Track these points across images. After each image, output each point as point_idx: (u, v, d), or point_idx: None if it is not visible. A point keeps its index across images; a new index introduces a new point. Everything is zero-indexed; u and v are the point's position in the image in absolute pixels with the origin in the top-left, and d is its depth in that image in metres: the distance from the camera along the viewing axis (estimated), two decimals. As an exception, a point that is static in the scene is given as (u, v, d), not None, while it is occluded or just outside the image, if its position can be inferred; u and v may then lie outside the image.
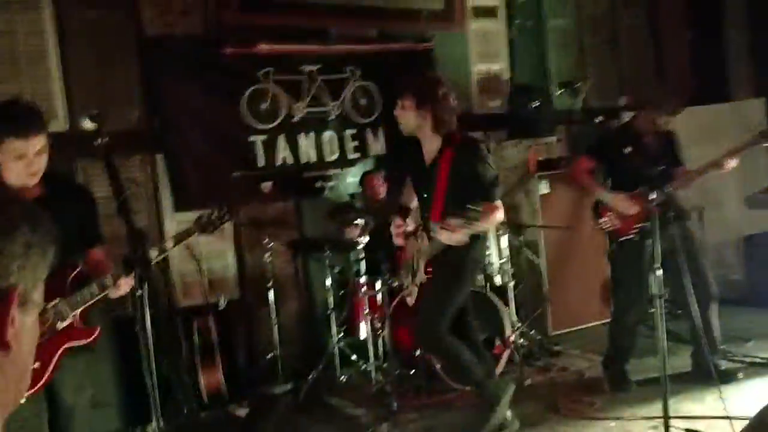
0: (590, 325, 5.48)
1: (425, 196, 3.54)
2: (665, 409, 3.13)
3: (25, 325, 0.93)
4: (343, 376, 4.67)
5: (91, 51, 4.69)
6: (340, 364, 4.70)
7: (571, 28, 6.66)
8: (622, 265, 4.06)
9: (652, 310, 5.41)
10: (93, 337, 2.34)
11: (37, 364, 2.13)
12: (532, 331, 4.96)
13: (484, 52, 6.25)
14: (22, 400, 2.09)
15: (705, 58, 6.68)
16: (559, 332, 5.40)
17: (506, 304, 4.65)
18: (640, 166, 3.88)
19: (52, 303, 2.23)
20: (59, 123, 4.47)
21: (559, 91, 2.95)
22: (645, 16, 7.10)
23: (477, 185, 3.25)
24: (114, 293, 2.32)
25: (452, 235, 3.13)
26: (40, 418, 2.31)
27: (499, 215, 3.33)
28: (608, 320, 5.44)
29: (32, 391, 2.15)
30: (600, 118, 2.80)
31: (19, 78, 4.41)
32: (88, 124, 1.89)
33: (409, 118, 3.43)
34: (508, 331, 4.43)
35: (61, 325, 2.25)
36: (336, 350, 4.68)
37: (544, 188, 5.33)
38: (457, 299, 3.44)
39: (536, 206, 5.37)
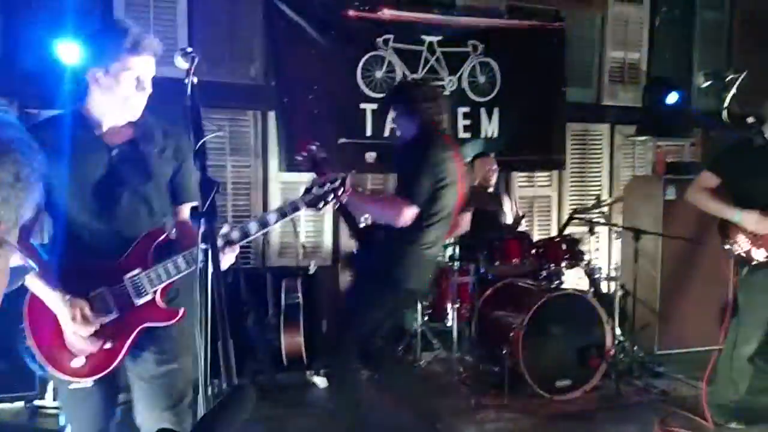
0: (700, 349, 4.97)
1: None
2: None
3: None
4: (423, 361, 4.51)
5: (217, 3, 4.74)
6: (422, 349, 4.54)
7: (723, 21, 6.01)
8: (750, 292, 3.59)
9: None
10: (176, 319, 2.01)
11: (108, 345, 1.96)
12: (635, 347, 4.55)
13: (622, 38, 5.77)
14: (90, 383, 1.95)
15: None
16: (665, 352, 4.94)
17: (611, 314, 4.28)
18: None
19: (131, 273, 1.96)
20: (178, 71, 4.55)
21: (705, 83, 2.55)
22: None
23: None
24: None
25: None
26: (112, 402, 2.14)
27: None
28: (719, 347, 4.97)
29: (102, 375, 1.99)
30: (752, 119, 2.39)
31: (147, 24, 4.52)
32: (180, 62, 1.77)
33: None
34: (608, 343, 4.08)
35: (139, 300, 1.97)
36: (419, 333, 4.52)
37: (670, 194, 4.83)
38: None
39: (659, 212, 4.90)
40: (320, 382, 4.23)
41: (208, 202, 1.49)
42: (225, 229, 2.00)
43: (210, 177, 1.53)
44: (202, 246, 1.46)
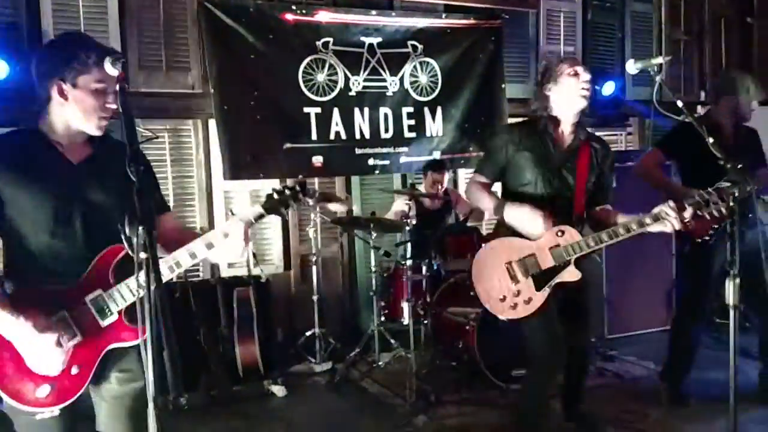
0: (649, 331, 5.15)
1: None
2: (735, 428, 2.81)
3: None
4: (381, 361, 4.51)
5: (150, 10, 4.63)
6: (380, 349, 4.54)
7: (652, 12, 6.24)
8: (693, 268, 3.73)
9: (719, 320, 5.09)
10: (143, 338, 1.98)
11: (75, 369, 1.89)
12: (586, 333, 4.66)
13: (556, 33, 5.91)
14: (57, 411, 1.83)
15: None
16: (614, 336, 5.08)
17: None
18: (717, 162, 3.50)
19: (93, 295, 1.90)
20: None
21: (637, 68, 2.64)
22: (735, 6, 6.60)
23: None
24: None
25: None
26: (73, 426, 2.00)
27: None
28: (667, 328, 5.14)
29: (71, 400, 1.90)
30: (681, 104, 2.49)
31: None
32: (109, 68, 1.71)
33: None
34: (559, 330, 4.16)
35: (104, 322, 1.90)
36: (376, 333, 4.51)
37: (644, 179, 4.96)
38: None
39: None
40: (278, 390, 4.17)
41: (145, 211, 1.44)
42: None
43: (144, 186, 1.48)
44: (142, 255, 1.42)
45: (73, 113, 1.92)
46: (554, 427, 3.28)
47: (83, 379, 1.91)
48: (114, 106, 1.91)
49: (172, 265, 1.95)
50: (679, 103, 2.45)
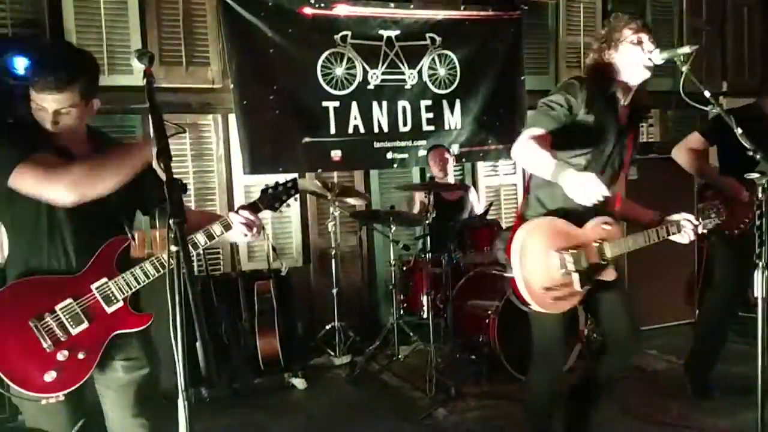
0: (669, 324, 5.10)
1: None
2: (761, 423, 2.77)
3: None
4: (401, 354, 4.52)
5: (170, 6, 4.66)
6: (399, 342, 4.55)
7: (674, 2, 6.16)
8: (724, 262, 3.68)
9: (743, 314, 5.02)
10: (146, 324, 2.03)
11: (81, 354, 1.95)
12: (606, 326, 4.62)
13: (576, 24, 5.86)
14: (62, 397, 1.89)
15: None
16: (635, 329, 5.03)
17: (580, 294, 4.34)
18: (757, 152, 3.44)
19: (99, 283, 1.97)
20: (136, 77, 4.46)
21: (662, 59, 2.58)
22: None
23: None
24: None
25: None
26: (79, 413, 2.06)
27: None
28: (689, 321, 5.09)
29: (76, 386, 1.94)
30: (708, 94, 2.44)
31: (100, 29, 4.42)
32: (136, 64, 1.73)
33: None
34: (581, 324, 4.14)
35: (110, 309, 1.98)
36: (395, 327, 4.52)
37: (632, 174, 4.92)
38: None
39: (623, 193, 4.98)
40: (299, 383, 4.19)
41: (175, 204, 1.46)
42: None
43: (175, 178, 1.50)
44: (173, 248, 1.43)
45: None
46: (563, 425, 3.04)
47: (89, 364, 1.97)
48: (50, 128, 1.95)
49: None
50: (707, 94, 2.40)
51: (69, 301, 1.94)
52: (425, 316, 4.36)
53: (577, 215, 2.54)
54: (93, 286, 1.97)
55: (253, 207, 2.17)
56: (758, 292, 2.43)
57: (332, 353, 4.62)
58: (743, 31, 6.50)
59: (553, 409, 2.84)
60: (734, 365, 4.08)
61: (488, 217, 4.85)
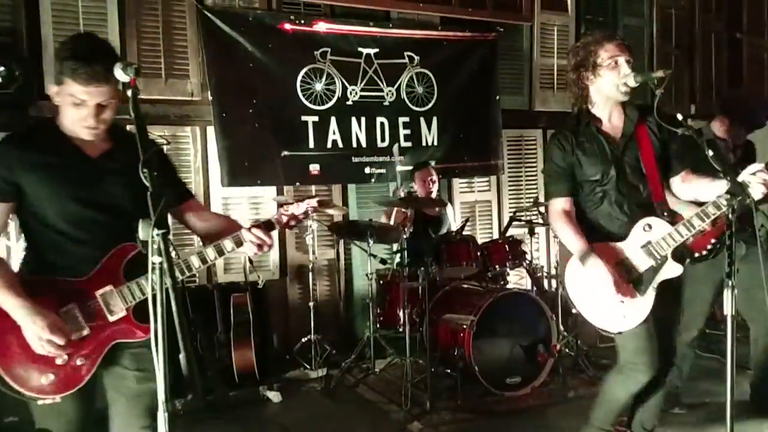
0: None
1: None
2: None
3: None
4: (376, 368, 4.53)
5: (149, 18, 4.67)
6: (375, 356, 4.57)
7: (645, 27, 6.36)
8: (691, 283, 3.78)
9: (710, 331, 5.14)
10: (146, 336, 1.95)
11: (80, 360, 1.94)
12: (579, 342, 4.71)
13: (550, 46, 6.01)
14: (58, 399, 1.89)
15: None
16: (607, 345, 5.12)
17: (554, 311, 4.42)
18: (726, 174, 3.57)
19: (104, 290, 1.95)
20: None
21: (637, 83, 2.67)
22: (725, 21, 6.74)
23: None
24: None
25: None
26: (88, 414, 2.07)
27: None
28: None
29: (71, 391, 1.94)
30: (680, 116, 2.54)
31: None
32: (120, 75, 1.74)
33: None
34: (554, 339, 4.21)
35: (112, 317, 1.96)
36: (371, 340, 4.54)
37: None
38: None
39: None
40: (274, 396, 4.18)
41: (157, 215, 1.47)
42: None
43: (158, 190, 1.51)
44: (156, 260, 1.44)
45: (64, 118, 1.98)
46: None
47: (87, 371, 1.95)
48: (92, 123, 1.92)
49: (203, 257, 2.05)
50: (679, 116, 2.49)
51: (72, 305, 1.93)
52: (401, 329, 4.39)
53: (616, 232, 2.66)
54: (97, 293, 1.95)
55: (268, 225, 2.11)
56: (727, 309, 2.50)
57: (308, 366, 4.62)
58: (711, 56, 6.73)
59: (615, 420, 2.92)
60: (702, 382, 4.19)
61: (464, 233, 4.92)
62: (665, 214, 2.65)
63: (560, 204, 2.69)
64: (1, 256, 2.04)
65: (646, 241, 2.60)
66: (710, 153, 2.52)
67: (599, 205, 2.69)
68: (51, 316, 1.87)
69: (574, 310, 2.66)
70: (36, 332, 1.86)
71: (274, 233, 2.11)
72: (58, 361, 1.91)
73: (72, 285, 1.95)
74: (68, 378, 1.93)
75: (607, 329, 2.62)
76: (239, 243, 2.05)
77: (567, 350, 4.58)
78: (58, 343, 1.87)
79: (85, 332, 1.94)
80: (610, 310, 2.57)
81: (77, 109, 1.91)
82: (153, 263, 1.49)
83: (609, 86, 2.61)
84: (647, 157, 2.66)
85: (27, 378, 1.90)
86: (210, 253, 2.03)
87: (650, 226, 2.61)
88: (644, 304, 2.59)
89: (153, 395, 1.99)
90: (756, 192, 2.42)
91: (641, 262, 2.60)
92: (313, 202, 2.18)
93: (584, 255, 2.57)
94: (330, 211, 4.62)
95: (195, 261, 2.02)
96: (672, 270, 2.61)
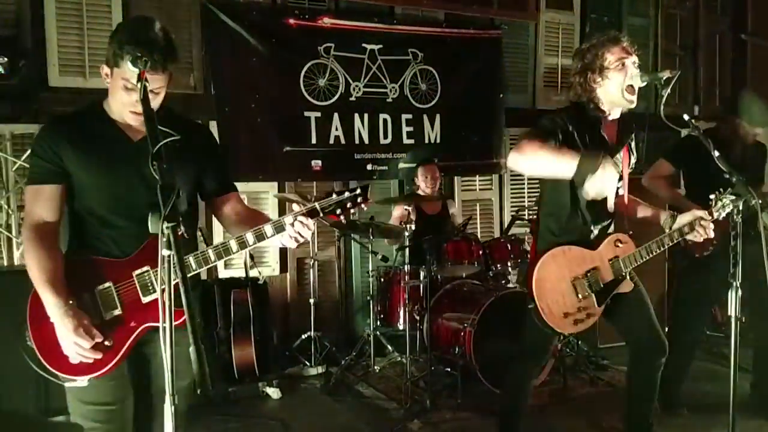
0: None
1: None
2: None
3: None
4: (376, 366, 4.53)
5: (153, 10, 4.64)
6: (375, 354, 4.56)
7: (649, 26, 6.34)
8: (691, 283, 3.77)
9: (710, 333, 5.14)
10: (178, 321, 1.75)
11: (108, 342, 1.93)
12: (579, 342, 4.70)
13: (555, 44, 5.98)
14: (85, 382, 1.89)
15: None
16: (607, 346, 5.12)
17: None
18: (722, 175, 3.58)
19: (140, 270, 1.94)
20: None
21: (644, 82, 2.67)
22: (730, 22, 6.71)
23: None
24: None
25: None
26: (124, 401, 2.04)
27: None
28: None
29: (104, 370, 1.93)
30: (687, 117, 2.54)
31: (82, 31, 4.38)
32: (130, 67, 1.74)
33: None
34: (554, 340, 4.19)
35: (145, 299, 1.94)
36: (371, 338, 4.53)
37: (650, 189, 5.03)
38: None
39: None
40: (273, 393, 4.17)
41: (168, 208, 1.46)
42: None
43: (169, 182, 1.50)
44: (166, 252, 1.43)
45: (113, 101, 1.98)
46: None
47: (116, 353, 1.94)
48: (141, 109, 1.87)
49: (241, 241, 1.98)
50: (686, 116, 2.49)
51: (108, 284, 1.94)
52: (402, 327, 4.38)
53: (588, 238, 2.74)
54: (134, 273, 1.95)
55: (312, 212, 1.99)
56: (732, 311, 2.50)
57: (308, 363, 4.61)
58: (715, 57, 6.70)
59: (523, 408, 3.05)
60: (703, 383, 4.19)
61: (466, 231, 4.91)
62: (627, 229, 2.81)
63: (538, 141, 2.49)
64: (59, 247, 2.00)
65: (615, 255, 2.73)
66: (716, 154, 2.53)
67: (576, 203, 2.71)
68: (82, 319, 1.88)
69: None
70: (64, 334, 1.87)
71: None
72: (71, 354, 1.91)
73: (111, 264, 1.96)
74: (97, 360, 1.92)
75: (558, 330, 2.71)
76: (280, 228, 1.97)
77: (567, 350, 4.57)
78: (84, 346, 1.87)
79: (117, 311, 1.95)
80: (565, 312, 2.65)
81: (128, 93, 1.91)
82: (162, 256, 1.47)
83: (615, 89, 2.62)
84: (624, 169, 2.76)
85: (58, 357, 1.91)
86: (249, 237, 1.97)
87: (620, 242, 2.74)
88: (596, 313, 2.71)
89: (182, 395, 1.96)
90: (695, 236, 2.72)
91: (606, 275, 2.71)
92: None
93: (593, 159, 2.32)
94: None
95: (233, 245, 1.97)
96: (627, 286, 2.77)
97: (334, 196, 2.03)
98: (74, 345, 1.87)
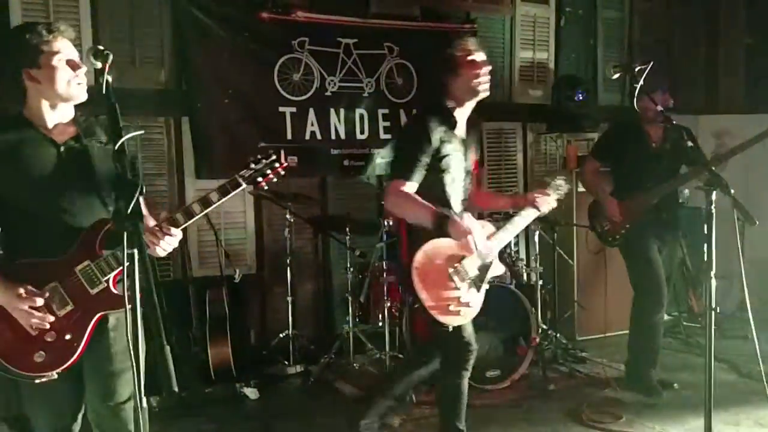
0: (618, 333, 5.22)
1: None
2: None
3: None
4: (356, 363, 4.49)
5: (123, 7, 4.54)
6: (354, 351, 4.52)
7: (624, 20, 6.38)
8: (627, 263, 4.07)
9: (687, 323, 5.19)
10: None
11: (68, 335, 1.99)
12: (558, 335, 4.72)
13: (530, 39, 5.98)
14: (55, 375, 1.94)
15: (763, 65, 6.33)
16: (585, 338, 5.16)
17: (533, 304, 4.41)
18: (644, 165, 3.73)
19: (82, 265, 2.00)
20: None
21: (616, 75, 2.70)
22: (702, 16, 6.77)
23: None
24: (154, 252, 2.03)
25: None
26: (77, 397, 2.12)
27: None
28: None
29: (66, 366, 1.99)
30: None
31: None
32: (93, 61, 1.73)
33: None
34: (533, 332, 4.20)
35: (93, 290, 2.01)
36: (350, 336, 4.49)
37: (582, 186, 5.06)
38: None
39: (572, 204, 5.11)
40: (251, 393, 4.11)
41: (131, 205, 1.43)
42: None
43: (131, 178, 1.47)
44: (129, 251, 1.40)
45: (50, 90, 2.00)
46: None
47: (77, 344, 2.00)
48: (82, 67, 2.02)
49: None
50: (659, 108, 2.50)
51: (54, 284, 1.99)
52: (381, 324, 4.35)
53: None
54: (77, 269, 2.00)
55: (235, 183, 2.14)
56: (706, 301, 2.51)
57: (286, 362, 4.55)
58: (689, 50, 6.76)
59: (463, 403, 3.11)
60: (678, 372, 4.24)
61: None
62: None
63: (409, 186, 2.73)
64: None
65: (487, 235, 2.83)
66: (689, 144, 2.60)
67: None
68: (18, 287, 1.93)
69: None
70: (14, 306, 1.93)
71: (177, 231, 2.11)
72: (48, 338, 1.97)
73: (51, 264, 2.02)
74: (60, 354, 1.99)
75: (444, 322, 2.69)
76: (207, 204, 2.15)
77: (546, 343, 4.59)
78: (36, 304, 1.93)
79: (69, 307, 2.00)
80: (448, 304, 2.67)
81: (69, 66, 1.99)
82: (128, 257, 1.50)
83: (464, 84, 2.83)
84: (474, 162, 2.98)
85: (21, 358, 1.96)
86: (196, 207, 2.13)
87: (483, 226, 2.79)
88: (477, 300, 2.79)
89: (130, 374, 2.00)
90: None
91: (474, 262, 2.75)
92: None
93: (440, 218, 2.61)
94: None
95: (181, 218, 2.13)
96: (498, 268, 2.90)
97: (252, 165, 2.16)
98: (28, 312, 1.93)
